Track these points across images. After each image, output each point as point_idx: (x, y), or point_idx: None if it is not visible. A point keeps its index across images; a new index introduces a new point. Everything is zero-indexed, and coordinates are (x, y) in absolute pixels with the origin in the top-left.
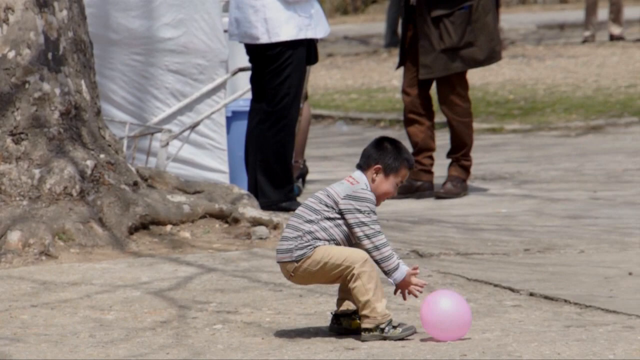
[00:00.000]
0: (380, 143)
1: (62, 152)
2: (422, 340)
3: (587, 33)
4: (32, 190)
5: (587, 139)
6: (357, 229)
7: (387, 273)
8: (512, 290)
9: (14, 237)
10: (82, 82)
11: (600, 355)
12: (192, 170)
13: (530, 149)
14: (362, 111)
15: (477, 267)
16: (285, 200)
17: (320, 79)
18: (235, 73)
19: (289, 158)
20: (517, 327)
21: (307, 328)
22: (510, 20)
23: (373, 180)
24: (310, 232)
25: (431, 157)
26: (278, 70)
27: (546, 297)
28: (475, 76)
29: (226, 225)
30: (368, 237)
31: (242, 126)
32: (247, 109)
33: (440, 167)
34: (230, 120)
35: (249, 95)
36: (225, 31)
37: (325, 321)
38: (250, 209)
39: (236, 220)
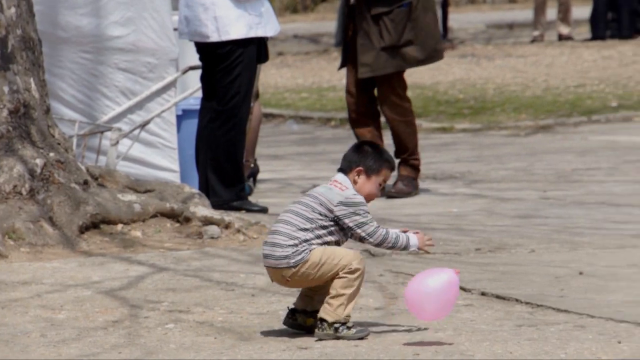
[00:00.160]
0: (360, 146)
1: (11, 151)
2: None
3: (536, 33)
4: None
5: (536, 139)
6: (358, 230)
7: (405, 249)
8: (463, 289)
9: None
10: (31, 80)
11: (552, 355)
12: (142, 169)
13: (480, 149)
14: (313, 110)
15: (429, 266)
16: (237, 199)
17: (270, 77)
18: (185, 71)
19: (239, 157)
20: (469, 327)
21: (259, 327)
22: (459, 19)
23: (355, 182)
24: (306, 240)
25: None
26: (228, 69)
27: (498, 297)
28: (425, 75)
29: (177, 225)
30: (370, 235)
31: (192, 125)
32: (198, 107)
33: None
34: (180, 118)
35: (200, 94)
36: (175, 29)
37: (278, 320)
38: (202, 208)
39: (187, 220)
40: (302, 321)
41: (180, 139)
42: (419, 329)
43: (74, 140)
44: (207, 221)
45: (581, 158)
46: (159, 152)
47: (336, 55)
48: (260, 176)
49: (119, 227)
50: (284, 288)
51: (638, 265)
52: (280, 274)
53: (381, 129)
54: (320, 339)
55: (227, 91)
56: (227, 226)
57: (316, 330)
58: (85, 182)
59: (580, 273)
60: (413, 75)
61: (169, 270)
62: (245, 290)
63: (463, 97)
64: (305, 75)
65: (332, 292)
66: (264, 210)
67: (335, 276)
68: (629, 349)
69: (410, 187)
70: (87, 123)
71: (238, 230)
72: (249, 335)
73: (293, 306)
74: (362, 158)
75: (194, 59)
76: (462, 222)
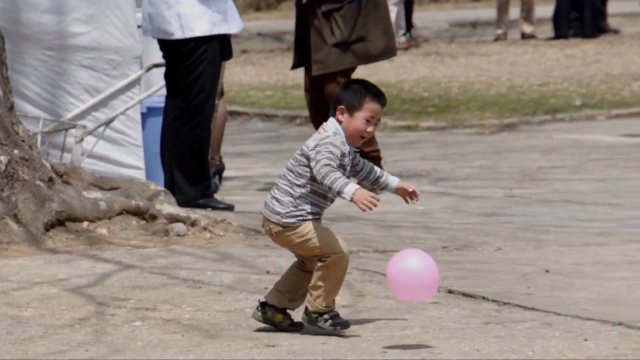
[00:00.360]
0: (345, 85)
1: None
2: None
3: (499, 31)
4: None
5: (501, 137)
6: (313, 165)
7: (339, 194)
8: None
9: None
10: None
11: (519, 352)
12: (107, 166)
13: (445, 147)
14: (278, 108)
15: None
16: (202, 197)
17: (235, 75)
18: (149, 69)
19: (205, 154)
20: (436, 324)
21: (227, 325)
22: (423, 18)
23: (340, 122)
24: (300, 197)
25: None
26: (192, 66)
27: (465, 294)
28: (389, 74)
29: (143, 222)
30: (317, 169)
31: (157, 122)
32: (162, 105)
33: None
34: (145, 116)
35: (164, 92)
36: (139, 27)
37: (246, 318)
38: (167, 206)
39: (153, 217)
40: (271, 316)
41: (145, 136)
42: (387, 327)
43: (39, 137)
44: (173, 219)
45: (546, 156)
46: (123, 150)
47: None
48: (225, 174)
49: (85, 224)
50: (251, 286)
51: (603, 263)
52: (269, 225)
53: None
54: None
55: (191, 89)
56: (193, 224)
57: (304, 313)
58: (50, 180)
59: (547, 271)
60: (378, 74)
61: (136, 267)
62: (212, 288)
63: (428, 96)
64: (270, 73)
65: (312, 281)
66: (229, 207)
67: (315, 257)
68: (595, 347)
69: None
70: (51, 120)
71: (204, 228)
72: (216, 333)
73: (264, 299)
74: (343, 96)
75: (157, 56)
76: (428, 220)
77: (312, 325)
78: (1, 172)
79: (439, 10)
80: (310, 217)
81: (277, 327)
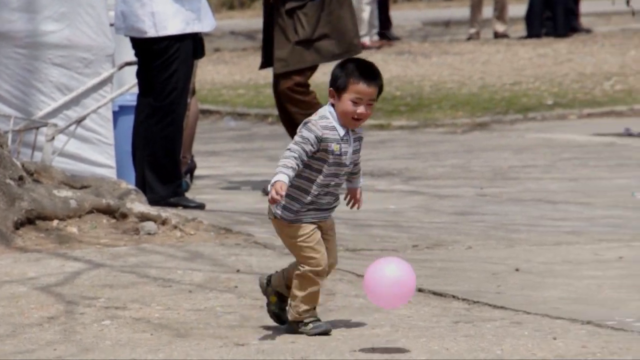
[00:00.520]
0: (336, 66)
1: None
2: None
3: (472, 30)
4: None
5: (473, 136)
6: None
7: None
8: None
9: None
10: None
11: (488, 351)
12: (78, 165)
13: (417, 146)
14: (250, 107)
15: (367, 263)
16: (174, 195)
17: (207, 74)
18: (121, 67)
19: (177, 153)
20: (406, 323)
21: (196, 324)
22: (396, 16)
23: (333, 106)
24: (297, 187)
25: None
26: (165, 65)
27: (435, 293)
28: None
29: (114, 221)
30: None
31: (129, 121)
32: (134, 103)
33: None
34: (117, 114)
35: (136, 90)
36: (112, 25)
37: (216, 317)
38: (138, 205)
39: (124, 216)
40: (270, 292)
41: (117, 135)
42: (356, 326)
43: (9, 135)
44: (144, 217)
45: (517, 155)
46: (95, 148)
47: None
48: (197, 172)
49: (55, 223)
50: (221, 285)
51: (574, 262)
52: (270, 209)
53: None
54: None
55: (164, 87)
56: (164, 222)
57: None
58: (21, 178)
59: (517, 270)
60: None
61: (105, 266)
62: (182, 287)
63: (400, 94)
64: (242, 72)
65: (292, 289)
66: (201, 206)
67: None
68: (564, 345)
69: None
70: (22, 118)
71: (175, 227)
72: (186, 332)
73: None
74: (332, 78)
75: (130, 54)
76: (399, 219)
77: (294, 333)
78: None
79: (413, 9)
80: (303, 218)
81: (267, 307)
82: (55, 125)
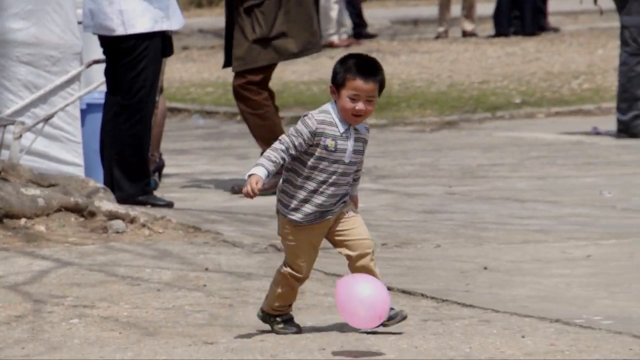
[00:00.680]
0: (337, 62)
1: None
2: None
3: (440, 29)
4: None
5: (441, 134)
6: None
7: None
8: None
9: None
10: None
11: (457, 349)
12: (46, 163)
13: (386, 144)
14: (218, 105)
15: (336, 261)
16: (142, 194)
17: (176, 72)
18: (89, 65)
19: (145, 151)
20: None
21: (165, 322)
22: (365, 15)
23: (335, 102)
24: (282, 182)
25: None
26: (133, 63)
27: (404, 292)
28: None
29: (82, 219)
30: None
31: (97, 119)
32: (102, 101)
33: None
34: (84, 113)
35: (104, 88)
36: (80, 23)
37: (184, 315)
38: (107, 203)
39: (92, 214)
40: (272, 320)
41: (85, 133)
42: (325, 324)
43: None
44: (112, 215)
45: (486, 154)
46: (63, 146)
47: None
48: (165, 171)
49: (22, 221)
50: (190, 283)
51: (542, 261)
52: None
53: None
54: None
55: (132, 85)
56: (132, 221)
57: None
58: None
59: (485, 268)
60: (320, 71)
61: (74, 264)
62: (151, 285)
63: None
64: (211, 70)
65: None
66: (169, 204)
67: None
68: (532, 343)
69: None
70: None
71: (143, 225)
72: (154, 330)
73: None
74: (332, 74)
75: (98, 52)
76: (368, 217)
77: (265, 323)
78: None
79: (381, 8)
80: (298, 216)
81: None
82: (22, 123)
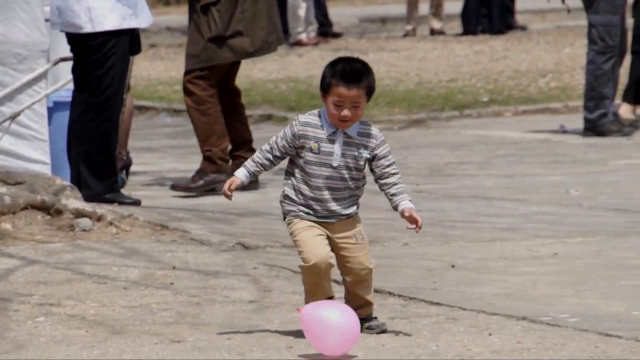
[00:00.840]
0: (326, 66)
1: None
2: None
3: (408, 27)
4: None
5: (409, 133)
6: None
7: None
8: (337, 282)
9: None
10: None
11: (424, 347)
12: (12, 161)
13: None
14: None
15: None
16: (109, 192)
17: (143, 70)
18: (56, 63)
19: (112, 149)
20: None
21: (132, 321)
22: (333, 13)
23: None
24: (290, 186)
25: (252, 150)
26: (101, 60)
27: None
28: (299, 69)
29: (49, 217)
30: None
31: (64, 117)
32: (69, 99)
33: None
34: (51, 110)
35: (71, 86)
36: (47, 20)
37: (151, 313)
38: (73, 201)
39: (59, 212)
40: None
41: (52, 131)
42: (293, 322)
43: None
44: (79, 214)
45: (454, 152)
46: (29, 144)
47: None
48: (133, 169)
49: None
50: (157, 281)
51: (509, 258)
52: None
53: (238, 120)
54: None
55: (99, 83)
56: (99, 219)
57: None
58: None
59: (453, 266)
60: (288, 69)
61: (40, 263)
62: (118, 284)
63: None
64: (179, 68)
65: None
66: (136, 202)
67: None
68: (499, 341)
69: (191, 181)
70: None
71: (110, 223)
72: (121, 329)
73: None
74: (321, 78)
75: (65, 50)
76: None
77: None
78: None
79: (349, 6)
80: (295, 213)
81: None
82: None
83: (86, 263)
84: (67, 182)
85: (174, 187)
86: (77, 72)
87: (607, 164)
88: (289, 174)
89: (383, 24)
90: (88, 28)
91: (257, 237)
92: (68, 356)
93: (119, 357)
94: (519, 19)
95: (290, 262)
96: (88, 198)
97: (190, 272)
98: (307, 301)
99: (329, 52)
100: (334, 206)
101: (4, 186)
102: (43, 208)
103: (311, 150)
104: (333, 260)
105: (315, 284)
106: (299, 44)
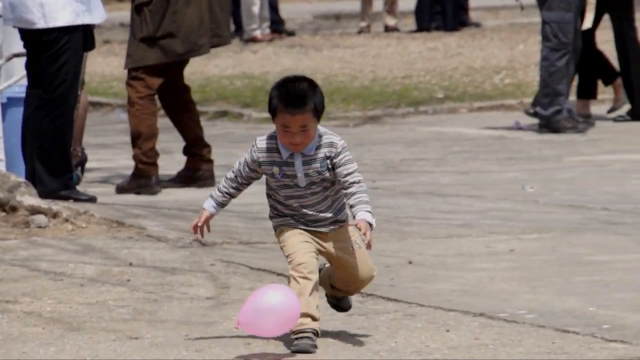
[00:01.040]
0: (272, 87)
1: None
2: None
3: (362, 24)
4: None
5: (365, 129)
6: None
7: None
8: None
9: None
10: None
11: (383, 343)
12: None
13: None
14: None
15: (260, 256)
16: (64, 188)
17: (97, 66)
18: (9, 59)
19: (67, 146)
20: None
21: (89, 317)
22: (287, 10)
23: None
24: (271, 201)
25: (206, 145)
26: (55, 56)
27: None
28: (254, 65)
29: (4, 214)
30: None
31: (18, 113)
32: (23, 95)
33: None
34: (5, 107)
35: (25, 82)
36: (0, 16)
37: (108, 310)
38: (29, 198)
39: (14, 209)
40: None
41: (6, 127)
42: None
43: None
44: (35, 210)
45: (409, 149)
46: None
47: None
48: (88, 165)
49: None
50: (114, 278)
51: (466, 255)
52: None
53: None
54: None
55: (53, 79)
56: (54, 215)
57: None
58: None
59: (410, 262)
60: (243, 65)
61: None
62: (74, 280)
63: None
64: None
65: None
66: (92, 199)
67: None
68: (456, 337)
69: (124, 183)
70: None
71: (66, 220)
72: (78, 325)
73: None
74: (268, 100)
75: (18, 45)
76: None
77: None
78: None
79: (303, 2)
80: (283, 222)
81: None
82: None
83: (42, 260)
84: (22, 179)
85: (120, 190)
86: (31, 68)
87: (562, 160)
88: (267, 193)
89: (337, 21)
90: (41, 24)
91: (214, 233)
92: (25, 353)
93: (76, 354)
94: (473, 15)
95: (247, 259)
96: (43, 195)
97: (147, 269)
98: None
99: (283, 48)
100: (319, 215)
101: None
102: None
103: (273, 176)
104: (318, 267)
105: (307, 291)
106: (254, 40)
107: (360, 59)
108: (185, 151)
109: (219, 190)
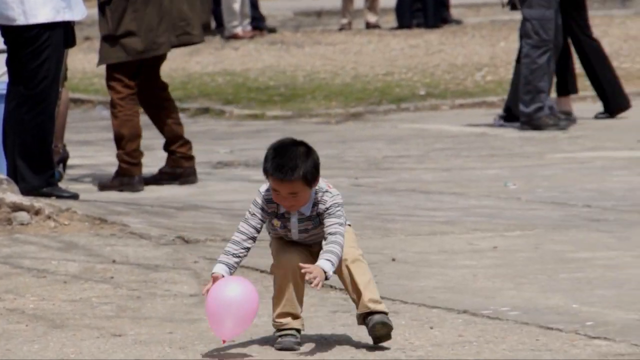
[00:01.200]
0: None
1: None
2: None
3: (344, 21)
4: None
5: (347, 126)
6: None
7: None
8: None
9: None
10: None
11: (366, 340)
12: None
13: (291, 136)
14: None
15: None
16: (46, 185)
17: (78, 62)
18: None
19: (49, 142)
20: None
21: (72, 314)
22: (268, 6)
23: None
24: None
25: (187, 142)
26: (36, 53)
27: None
28: (235, 62)
29: None
30: None
31: None
32: (4, 92)
33: (200, 153)
34: None
35: (6, 78)
36: None
37: (91, 307)
38: (10, 194)
39: None
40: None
41: None
42: None
43: None
44: (17, 207)
45: (391, 145)
46: None
47: None
48: (70, 162)
49: None
50: (97, 275)
51: (449, 252)
52: None
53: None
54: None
55: (34, 75)
56: (37, 212)
57: None
58: None
59: (393, 259)
60: (224, 62)
61: None
62: (57, 277)
63: (273, 84)
64: None
65: None
66: (74, 196)
67: None
68: (440, 334)
69: (107, 180)
70: None
71: (48, 217)
72: (62, 323)
73: None
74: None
75: None
76: None
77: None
78: None
79: None
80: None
81: None
82: None
83: (25, 257)
84: (4, 176)
85: (102, 188)
86: (12, 65)
87: (544, 157)
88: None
89: (318, 18)
90: (21, 20)
91: (197, 230)
92: (8, 351)
93: (59, 351)
94: (454, 12)
95: None
96: (25, 191)
97: (130, 266)
98: (273, 310)
99: (264, 45)
100: (316, 241)
101: None
102: None
103: (273, 227)
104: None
105: (281, 290)
106: (235, 37)
107: (341, 56)
108: (166, 148)
109: (232, 255)
